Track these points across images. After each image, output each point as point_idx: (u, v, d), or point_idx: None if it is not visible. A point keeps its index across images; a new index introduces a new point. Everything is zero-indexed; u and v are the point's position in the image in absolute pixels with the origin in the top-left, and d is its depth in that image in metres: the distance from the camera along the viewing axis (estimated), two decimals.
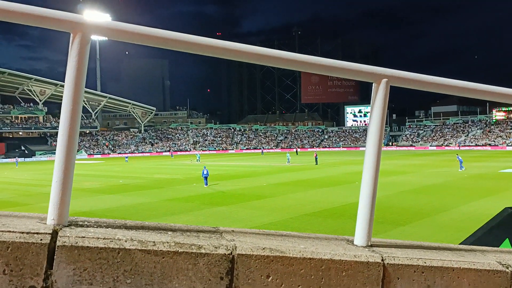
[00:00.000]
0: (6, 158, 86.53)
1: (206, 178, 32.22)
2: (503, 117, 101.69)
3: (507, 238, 6.12)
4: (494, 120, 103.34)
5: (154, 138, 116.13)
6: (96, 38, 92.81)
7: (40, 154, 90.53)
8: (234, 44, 1.74)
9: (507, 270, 1.87)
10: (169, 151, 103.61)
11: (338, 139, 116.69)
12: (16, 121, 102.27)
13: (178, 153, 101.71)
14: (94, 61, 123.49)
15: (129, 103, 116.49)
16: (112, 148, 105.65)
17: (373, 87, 1.92)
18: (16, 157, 77.74)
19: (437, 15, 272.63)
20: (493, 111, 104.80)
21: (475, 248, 2.18)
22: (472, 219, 18.14)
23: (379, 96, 1.89)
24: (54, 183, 1.58)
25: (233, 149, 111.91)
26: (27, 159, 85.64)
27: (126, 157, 77.36)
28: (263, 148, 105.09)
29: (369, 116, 1.94)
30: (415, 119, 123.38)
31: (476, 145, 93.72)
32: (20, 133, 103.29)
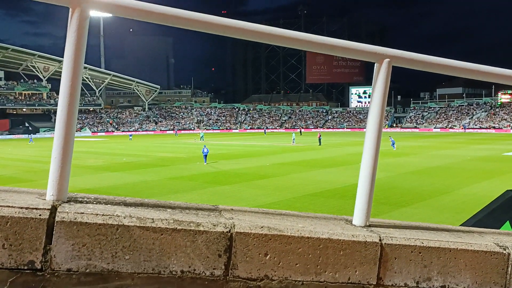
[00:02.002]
0: (10, 134, 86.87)
1: (205, 156, 32.96)
2: (509, 100, 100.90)
3: (508, 221, 6.14)
4: (499, 103, 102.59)
5: (158, 116, 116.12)
6: (99, 14, 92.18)
7: (44, 131, 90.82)
8: (238, 22, 1.72)
9: (504, 252, 1.88)
10: (173, 129, 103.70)
11: (342, 120, 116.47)
12: (20, 97, 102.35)
13: (182, 131, 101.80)
14: (98, 38, 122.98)
15: (133, 81, 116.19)
16: (116, 126, 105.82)
17: (375, 67, 1.90)
18: (31, 134, 77.65)
19: None
20: (499, 93, 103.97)
21: (473, 229, 2.18)
22: (474, 201, 18.18)
23: (381, 76, 1.88)
24: (54, 159, 1.58)
25: (237, 129, 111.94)
26: (32, 136, 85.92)
27: (130, 135, 77.43)
28: (266, 128, 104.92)
29: (371, 96, 1.93)
30: (420, 101, 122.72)
31: (481, 128, 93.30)
32: (24, 109, 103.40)
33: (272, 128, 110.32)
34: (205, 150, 33.41)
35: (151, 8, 1.64)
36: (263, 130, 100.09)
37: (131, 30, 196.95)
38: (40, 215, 1.44)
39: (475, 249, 1.85)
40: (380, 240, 1.75)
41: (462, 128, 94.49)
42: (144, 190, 21.89)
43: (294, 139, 56.64)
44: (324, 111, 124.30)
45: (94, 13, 1.67)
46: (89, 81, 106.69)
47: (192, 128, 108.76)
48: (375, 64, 1.90)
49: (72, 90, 1.58)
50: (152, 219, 1.55)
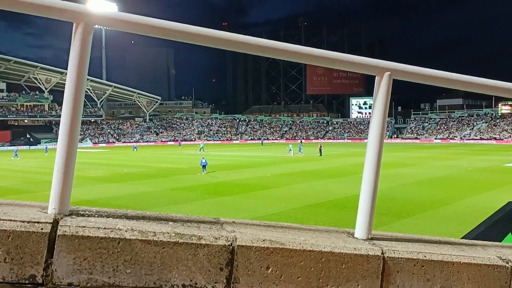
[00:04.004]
0: (12, 145, 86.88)
1: (204, 166, 34.17)
2: (509, 111, 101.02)
3: (510, 232, 6.12)
4: (499, 114, 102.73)
5: (159, 127, 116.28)
6: (101, 27, 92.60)
7: (45, 142, 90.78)
8: (238, 36, 1.73)
9: (507, 265, 1.87)
10: (174, 140, 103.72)
11: (343, 131, 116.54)
12: (22, 109, 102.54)
13: (183, 142, 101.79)
14: (99, 50, 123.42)
15: (134, 92, 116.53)
16: (117, 137, 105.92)
17: (376, 80, 1.91)
18: (46, 144, 77.54)
19: (445, 5, 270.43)
20: (499, 105, 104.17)
21: (476, 242, 2.18)
22: (475, 212, 18.13)
23: (382, 89, 1.89)
24: (56, 172, 1.59)
25: (237, 140, 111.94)
26: (33, 147, 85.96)
27: (135, 146, 76.96)
28: (263, 139, 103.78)
29: (372, 109, 1.94)
30: (420, 112, 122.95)
31: (481, 139, 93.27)
32: (26, 121, 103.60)
33: (273, 139, 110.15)
34: (203, 161, 34.69)
35: (153, 22, 1.66)
36: (260, 141, 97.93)
37: (132, 42, 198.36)
38: (41, 228, 1.44)
39: (478, 262, 1.85)
40: (382, 253, 1.74)
41: (459, 139, 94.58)
42: (145, 201, 21.84)
43: (291, 149, 56.70)
44: (324, 122, 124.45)
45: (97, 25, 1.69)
46: (91, 93, 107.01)
47: (193, 139, 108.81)
48: (376, 77, 1.91)
49: (75, 103, 1.59)
50: (154, 232, 1.55)
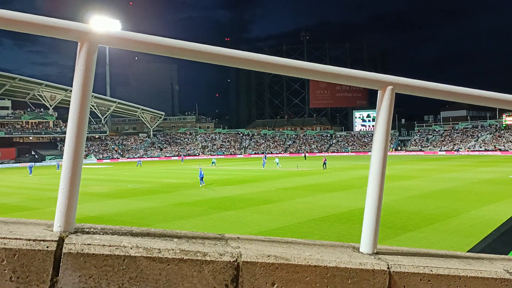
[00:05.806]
0: (17, 162, 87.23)
1: (201, 178, 36.24)
2: None
3: None
4: (504, 125, 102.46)
5: (163, 142, 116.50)
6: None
7: (50, 159, 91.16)
8: (240, 53, 1.75)
9: None
10: (178, 155, 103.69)
11: (346, 144, 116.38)
12: (27, 126, 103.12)
13: (187, 157, 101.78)
14: (103, 66, 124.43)
15: (138, 108, 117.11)
16: (121, 153, 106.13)
17: (378, 94, 1.92)
18: (58, 160, 78.23)
19: (446, 19, 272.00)
20: (503, 116, 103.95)
21: (482, 256, 2.16)
22: (481, 224, 17.99)
23: (385, 103, 1.89)
24: (61, 190, 1.60)
25: (241, 154, 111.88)
26: (38, 164, 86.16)
27: (139, 161, 76.96)
28: (266, 153, 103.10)
29: (375, 123, 1.94)
30: (424, 124, 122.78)
31: (486, 150, 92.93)
32: (31, 138, 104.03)
33: (276, 153, 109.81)
34: (202, 173, 36.81)
35: (155, 40, 1.67)
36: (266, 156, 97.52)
37: (136, 58, 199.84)
38: (47, 247, 1.45)
39: (485, 276, 1.83)
40: (388, 268, 1.73)
41: (455, 152, 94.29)
42: (149, 217, 21.80)
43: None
44: (328, 135, 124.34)
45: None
46: (95, 109, 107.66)
47: (197, 154, 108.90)
48: (379, 91, 1.92)
49: (79, 122, 1.61)
50: (159, 249, 1.55)
